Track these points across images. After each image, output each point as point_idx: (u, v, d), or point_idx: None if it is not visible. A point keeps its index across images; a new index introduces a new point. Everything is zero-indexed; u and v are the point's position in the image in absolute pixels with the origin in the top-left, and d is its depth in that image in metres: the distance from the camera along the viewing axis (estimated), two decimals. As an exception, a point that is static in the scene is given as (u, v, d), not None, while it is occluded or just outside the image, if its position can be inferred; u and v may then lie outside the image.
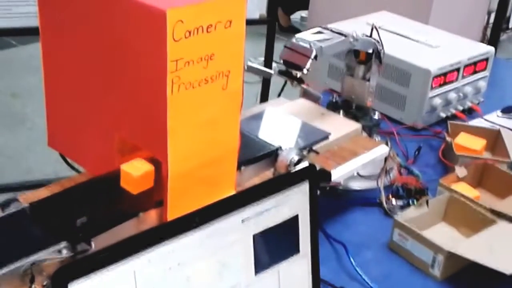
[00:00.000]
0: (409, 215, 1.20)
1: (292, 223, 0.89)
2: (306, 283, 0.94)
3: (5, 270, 0.81)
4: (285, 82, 1.41)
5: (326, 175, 1.10)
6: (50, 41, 1.04)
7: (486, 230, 1.17)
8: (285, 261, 0.90)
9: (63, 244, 0.85)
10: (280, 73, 1.24)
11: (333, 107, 1.43)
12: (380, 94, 1.68)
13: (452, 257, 1.11)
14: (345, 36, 1.27)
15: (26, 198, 0.98)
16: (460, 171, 1.35)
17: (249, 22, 2.51)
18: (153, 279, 0.76)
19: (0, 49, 4.05)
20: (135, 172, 0.96)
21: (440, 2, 2.42)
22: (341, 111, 1.40)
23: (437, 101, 1.63)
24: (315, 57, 1.19)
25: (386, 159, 1.35)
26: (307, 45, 1.21)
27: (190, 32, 0.84)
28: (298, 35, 1.23)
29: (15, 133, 3.30)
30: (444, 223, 1.28)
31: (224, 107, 0.97)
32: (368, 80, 1.38)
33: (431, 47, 1.71)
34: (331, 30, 1.28)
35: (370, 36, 1.33)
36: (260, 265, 0.87)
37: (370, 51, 1.32)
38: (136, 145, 1.04)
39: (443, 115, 1.68)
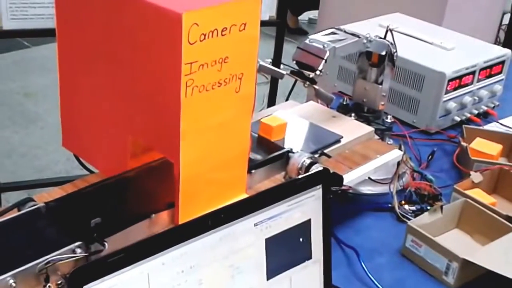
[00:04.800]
0: (422, 221, 1.19)
1: (304, 228, 0.89)
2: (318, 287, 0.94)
3: (20, 269, 0.81)
4: (294, 84, 1.41)
5: (338, 179, 1.09)
6: (66, 43, 1.04)
7: (502, 238, 1.15)
8: (297, 266, 0.90)
9: (77, 244, 0.85)
10: (292, 73, 1.24)
11: (344, 110, 1.42)
12: (392, 97, 1.67)
13: (467, 265, 1.09)
14: (359, 37, 1.26)
15: (41, 198, 0.98)
16: (476, 176, 1.34)
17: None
18: (166, 281, 0.76)
19: (14, 50, 4.08)
20: (272, 123, 1.19)
21: (454, 3, 2.40)
22: (353, 114, 1.39)
23: (452, 104, 1.62)
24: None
25: (399, 163, 1.34)
26: (320, 46, 1.20)
27: (205, 35, 0.84)
28: (311, 36, 1.23)
29: (27, 132, 3.32)
30: (458, 229, 1.26)
31: (237, 109, 0.96)
32: (381, 83, 1.37)
33: (445, 49, 1.70)
34: (345, 31, 1.27)
35: (384, 38, 1.32)
36: (272, 270, 0.86)
37: (384, 53, 1.31)
38: (149, 147, 1.04)
39: (457, 119, 1.66)
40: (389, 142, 1.40)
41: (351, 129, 1.31)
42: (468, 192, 1.29)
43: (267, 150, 1.16)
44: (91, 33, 0.97)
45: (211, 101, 0.91)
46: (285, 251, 0.88)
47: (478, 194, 1.28)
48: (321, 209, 0.90)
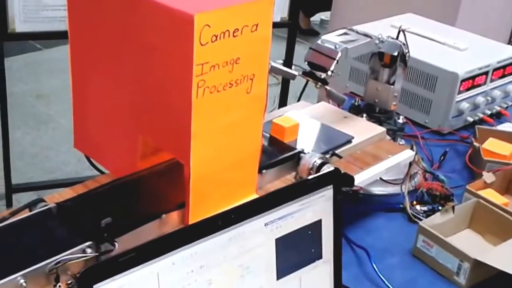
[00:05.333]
0: (434, 221, 1.19)
1: (315, 228, 0.89)
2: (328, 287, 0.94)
3: (30, 269, 0.81)
4: (305, 85, 1.40)
5: (349, 179, 1.09)
6: (78, 45, 1.04)
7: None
8: (307, 266, 0.90)
9: (87, 244, 0.86)
10: (304, 74, 1.24)
11: (356, 110, 1.41)
12: (404, 97, 1.67)
13: (478, 265, 1.09)
14: (371, 38, 1.26)
15: (52, 199, 0.99)
16: (488, 177, 1.33)
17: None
18: (176, 281, 0.76)
19: (26, 52, 4.11)
20: (285, 124, 1.19)
21: (468, 4, 2.39)
22: (364, 115, 1.38)
23: (465, 105, 1.61)
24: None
25: (410, 164, 1.33)
26: (332, 47, 1.20)
27: (216, 36, 0.84)
28: (323, 37, 1.23)
29: (39, 134, 3.33)
30: (470, 230, 1.26)
31: (248, 110, 0.96)
32: (393, 83, 1.36)
33: (458, 50, 1.69)
34: (357, 32, 1.27)
35: (396, 38, 1.32)
36: (282, 270, 0.86)
37: (396, 53, 1.31)
38: (159, 148, 1.04)
39: (470, 119, 1.65)
40: (401, 143, 1.39)
41: (362, 130, 1.30)
42: (480, 192, 1.28)
43: (279, 151, 1.16)
44: (103, 34, 0.98)
45: (222, 102, 0.91)
46: (295, 251, 0.88)
47: (490, 194, 1.28)
48: (332, 209, 0.90)
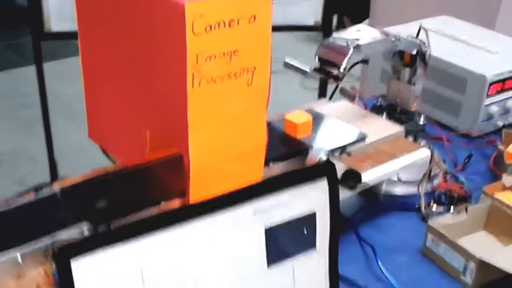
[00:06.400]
0: (446, 221, 1.18)
1: (308, 220, 0.90)
2: (323, 281, 0.94)
3: (29, 247, 0.85)
4: (337, 86, 1.41)
5: (355, 176, 1.10)
6: (86, 40, 1.09)
7: (525, 241, 1.13)
8: (300, 257, 0.91)
9: (84, 224, 0.89)
10: (316, 71, 1.24)
11: (378, 110, 1.41)
12: (433, 99, 1.66)
13: (485, 266, 1.07)
14: (387, 35, 1.26)
15: (61, 183, 1.03)
16: (508, 179, 1.31)
17: (303, 28, 2.50)
18: (159, 263, 0.79)
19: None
20: (297, 120, 1.20)
21: (508, 6, 2.34)
22: (384, 114, 1.38)
23: (494, 108, 1.59)
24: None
25: (431, 164, 1.33)
26: (344, 44, 1.20)
27: (211, 27, 0.86)
28: (336, 34, 1.23)
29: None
30: (485, 232, 1.24)
31: (249, 103, 0.98)
32: (414, 83, 1.36)
33: (489, 52, 1.66)
34: (371, 29, 1.27)
35: (416, 37, 1.31)
36: (272, 259, 0.88)
37: (414, 52, 1.30)
38: (164, 140, 1.07)
39: (500, 123, 1.63)
40: (422, 144, 1.38)
41: (379, 129, 1.30)
42: (497, 194, 1.26)
43: (287, 145, 1.17)
44: (108, 29, 1.01)
45: (221, 93, 0.93)
46: (286, 241, 0.89)
47: (507, 197, 1.26)
48: (328, 202, 0.91)
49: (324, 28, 2.48)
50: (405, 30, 1.40)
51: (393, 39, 1.26)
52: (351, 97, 1.27)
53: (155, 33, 0.91)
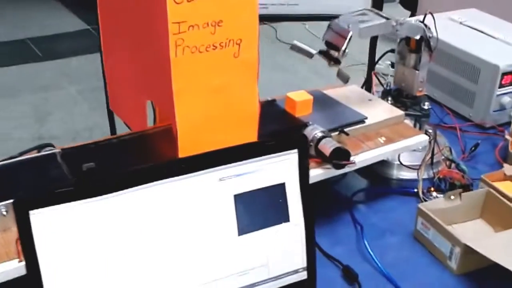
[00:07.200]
0: (436, 205, 1.18)
1: (278, 191, 0.91)
2: (299, 253, 0.96)
3: (11, 200, 0.88)
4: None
5: (346, 154, 1.10)
6: (105, 24, 1.16)
7: (513, 229, 1.12)
8: (274, 228, 0.92)
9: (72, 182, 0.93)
10: (321, 53, 1.25)
11: (385, 94, 1.41)
12: (450, 89, 1.65)
13: (470, 252, 1.06)
14: (388, 19, 1.25)
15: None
16: (508, 169, 1.30)
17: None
18: (124, 224, 0.81)
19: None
20: (297, 98, 1.23)
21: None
22: (389, 98, 1.38)
23: (506, 99, 1.57)
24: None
25: (433, 150, 1.32)
26: (345, 26, 1.21)
27: (193, -4, 0.88)
28: (341, 16, 1.24)
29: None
30: (481, 220, 1.23)
31: (237, 74, 1.00)
32: (419, 69, 1.35)
33: (507, 44, 1.64)
34: (376, 13, 1.27)
35: (422, 21, 1.30)
36: (243, 227, 0.89)
37: (418, 37, 1.29)
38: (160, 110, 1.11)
39: (513, 114, 1.60)
40: (429, 129, 1.38)
41: (381, 112, 1.31)
42: (497, 183, 1.25)
43: (283, 122, 1.19)
44: (117, 7, 1.07)
45: (206, 63, 0.95)
46: (257, 210, 0.90)
47: (506, 186, 1.24)
48: (297, 174, 0.92)
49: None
50: (430, 20, 1.38)
51: (393, 23, 1.25)
52: (344, 79, 1.28)
53: (147, 6, 0.94)
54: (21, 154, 1.04)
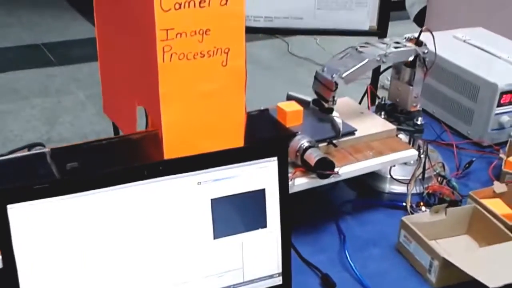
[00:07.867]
0: (420, 219, 1.19)
1: (257, 197, 0.93)
2: (274, 259, 0.98)
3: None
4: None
5: (330, 164, 1.12)
6: (101, 26, 1.19)
7: (497, 245, 1.13)
8: (250, 233, 0.94)
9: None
10: (314, 102, 1.32)
11: (379, 109, 1.43)
12: (449, 107, 1.66)
13: (449, 266, 1.08)
14: (378, 49, 1.27)
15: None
16: (498, 186, 1.31)
17: (357, 33, 2.51)
18: (99, 220, 0.83)
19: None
20: (288, 108, 1.26)
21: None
22: (382, 113, 1.40)
23: (505, 118, 1.58)
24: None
25: (424, 165, 1.34)
26: (328, 77, 1.24)
27: (180, 4, 0.91)
28: (326, 63, 1.28)
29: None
30: (468, 236, 1.24)
31: (225, 83, 1.03)
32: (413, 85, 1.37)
33: (508, 63, 1.65)
34: (359, 51, 1.29)
35: (417, 39, 1.32)
36: (220, 231, 0.92)
37: (411, 58, 1.32)
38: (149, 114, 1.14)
39: (512, 133, 1.61)
40: (418, 144, 1.40)
41: (372, 126, 1.33)
42: (486, 200, 1.26)
43: (272, 131, 1.21)
44: (112, 12, 1.10)
45: (194, 70, 0.98)
46: (235, 215, 0.93)
47: (494, 203, 1.25)
48: (277, 181, 0.94)
49: (380, 33, 2.49)
50: (429, 39, 1.40)
51: (378, 58, 1.26)
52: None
53: (137, 12, 0.97)
54: (11, 152, 1.07)
